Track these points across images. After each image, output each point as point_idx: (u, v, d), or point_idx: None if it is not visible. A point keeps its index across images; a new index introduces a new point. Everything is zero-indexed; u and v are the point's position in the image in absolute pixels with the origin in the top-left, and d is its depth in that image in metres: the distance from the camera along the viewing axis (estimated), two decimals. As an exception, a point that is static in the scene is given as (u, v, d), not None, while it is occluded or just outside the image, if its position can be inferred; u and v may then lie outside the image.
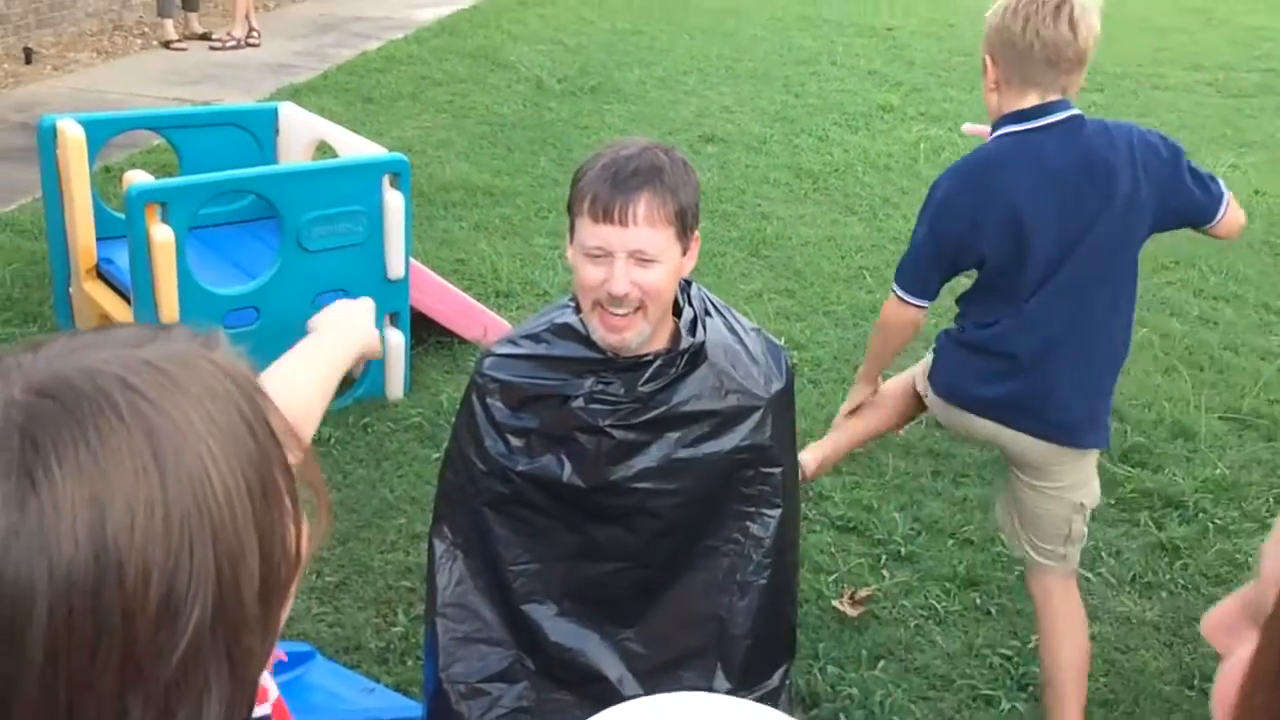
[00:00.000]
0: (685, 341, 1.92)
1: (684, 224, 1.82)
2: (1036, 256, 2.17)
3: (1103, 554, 3.20)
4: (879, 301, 4.76)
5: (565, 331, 1.94)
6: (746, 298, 4.74)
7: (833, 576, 3.05)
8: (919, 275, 2.32)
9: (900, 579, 3.05)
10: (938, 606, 2.96)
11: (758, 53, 8.96)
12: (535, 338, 1.98)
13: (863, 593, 2.95)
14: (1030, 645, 2.83)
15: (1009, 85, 2.18)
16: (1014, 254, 2.18)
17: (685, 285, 2.00)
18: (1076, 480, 2.30)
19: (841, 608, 2.90)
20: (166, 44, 8.11)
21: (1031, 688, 2.70)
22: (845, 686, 2.65)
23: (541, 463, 1.95)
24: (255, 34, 8.33)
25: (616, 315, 1.82)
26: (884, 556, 3.15)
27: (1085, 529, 2.35)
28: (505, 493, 1.99)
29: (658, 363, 1.90)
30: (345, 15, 9.56)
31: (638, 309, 1.82)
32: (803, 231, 5.51)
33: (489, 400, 1.98)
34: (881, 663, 2.74)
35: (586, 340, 1.90)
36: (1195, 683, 2.74)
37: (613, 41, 9.01)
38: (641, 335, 1.86)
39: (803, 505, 3.34)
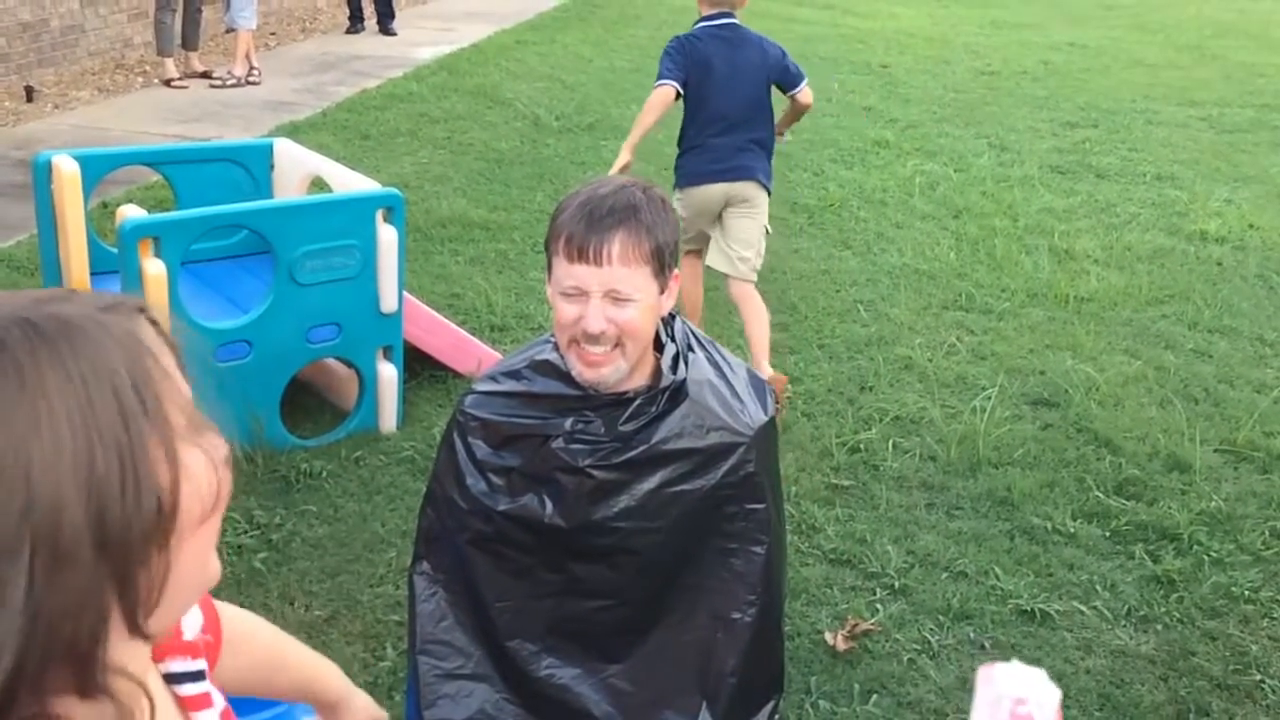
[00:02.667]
0: (666, 379, 1.91)
1: (661, 262, 1.81)
2: (716, 88, 4.10)
3: (1097, 587, 3.18)
4: (874, 335, 4.78)
5: (545, 368, 1.93)
6: (740, 331, 4.74)
7: (824, 610, 3.03)
8: (667, 73, 4.10)
9: (893, 612, 3.02)
10: (931, 640, 2.93)
11: (754, 90, 9.01)
12: (516, 374, 1.97)
13: (863, 626, 2.93)
14: (1024, 679, 2.81)
15: (703, 3, 4.19)
16: (702, 82, 4.10)
17: (668, 320, 2.00)
18: (762, 209, 4.29)
19: (833, 642, 2.87)
20: (167, 82, 8.18)
21: (1025, 722, 2.67)
22: (837, 721, 2.62)
23: (523, 502, 1.94)
24: (256, 72, 8.40)
25: (593, 352, 1.82)
26: (877, 589, 3.13)
27: (764, 245, 4.34)
28: (487, 531, 1.98)
29: (638, 401, 1.89)
30: (345, 54, 9.65)
31: (615, 346, 1.81)
32: (797, 265, 5.53)
33: (470, 439, 1.97)
34: (874, 697, 2.72)
35: (566, 377, 1.89)
36: (1191, 717, 2.71)
37: (610, 80, 9.08)
38: (619, 372, 1.85)
39: (795, 538, 3.33)
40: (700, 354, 2.00)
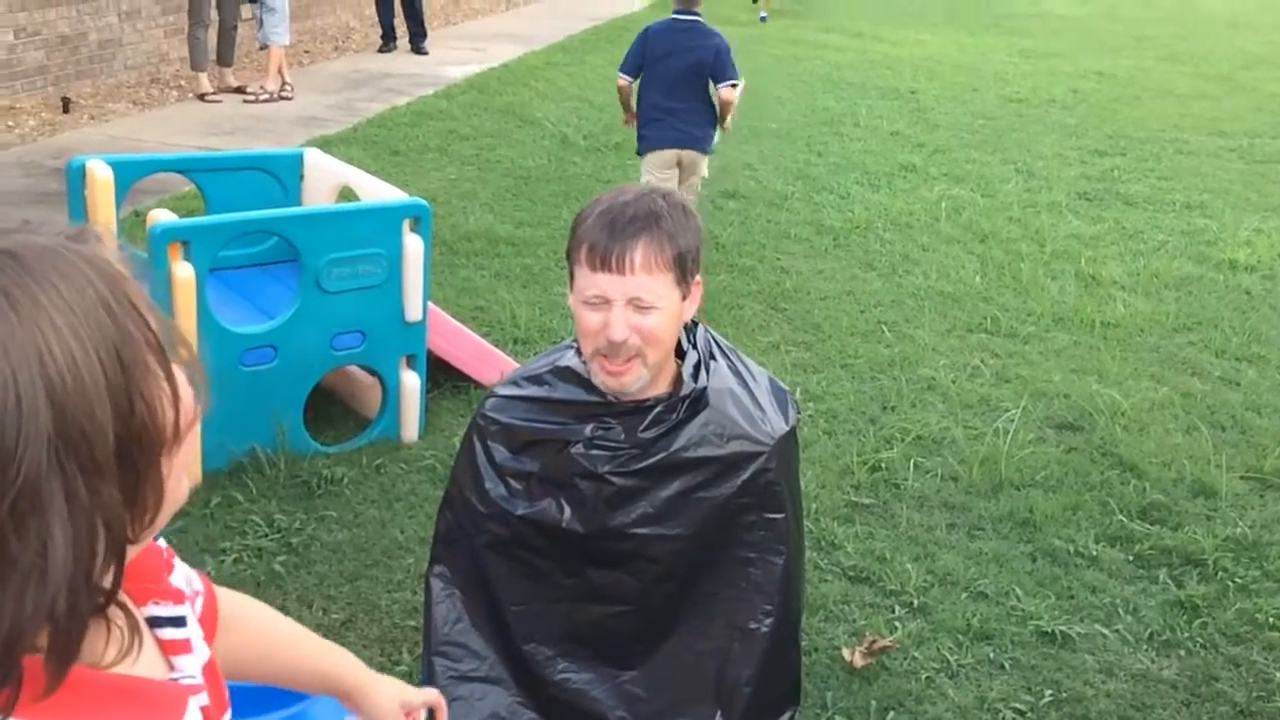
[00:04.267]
0: (687, 387, 1.90)
1: (683, 269, 1.80)
2: (666, 70, 5.17)
3: (1120, 610, 3.14)
4: (897, 355, 4.76)
5: (567, 375, 1.94)
6: (764, 349, 4.74)
7: (842, 626, 3.01)
8: (627, 66, 5.32)
9: (912, 630, 3.00)
10: (950, 659, 2.91)
11: (781, 114, 9.05)
12: (537, 379, 1.98)
13: (881, 643, 2.90)
14: (1044, 700, 2.78)
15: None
16: (657, 64, 5.19)
17: (691, 328, 2.00)
18: (703, 166, 5.46)
19: (850, 658, 2.85)
20: (201, 96, 8.29)
21: (1044, 743, 2.64)
22: (853, 737, 2.60)
23: (541, 507, 1.94)
24: (288, 88, 8.50)
25: (616, 362, 1.82)
26: (896, 607, 3.10)
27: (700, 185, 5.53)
28: (505, 535, 1.98)
29: (658, 409, 1.89)
30: (377, 72, 9.75)
31: (635, 355, 1.81)
32: (822, 286, 5.53)
33: (490, 443, 1.98)
34: (891, 714, 2.69)
35: (587, 384, 1.89)
36: (1213, 742, 2.68)
37: (638, 100, 9.12)
38: (640, 380, 1.85)
39: (814, 554, 3.32)
40: (722, 362, 2.00)
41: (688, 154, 5.29)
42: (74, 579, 0.70)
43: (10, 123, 7.33)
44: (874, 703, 2.72)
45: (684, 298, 1.83)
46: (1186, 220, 6.87)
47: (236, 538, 3.24)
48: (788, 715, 2.05)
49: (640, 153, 5.39)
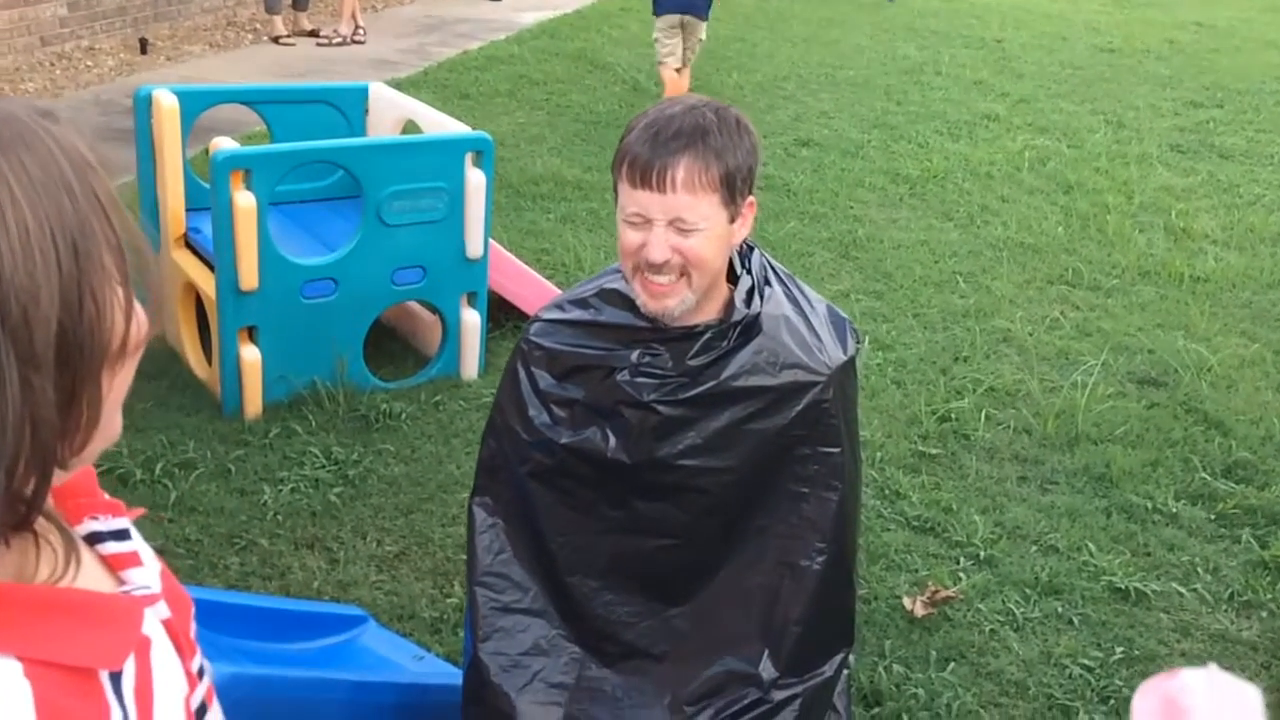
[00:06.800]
0: (739, 313, 1.80)
1: (731, 190, 1.67)
2: None
3: (1198, 569, 3.00)
4: (972, 306, 4.61)
5: (613, 298, 1.85)
6: (833, 297, 4.61)
7: (903, 576, 2.91)
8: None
9: (976, 582, 2.90)
10: (1016, 612, 2.80)
11: (860, 61, 8.81)
12: (583, 303, 1.89)
13: (944, 594, 2.81)
14: (1115, 658, 2.67)
15: None
16: None
17: (746, 252, 1.89)
18: (698, 33, 6.71)
19: (911, 607, 2.76)
20: (275, 39, 8.32)
21: (1113, 700, 2.53)
22: (911, 687, 2.51)
23: (586, 435, 1.86)
24: (361, 31, 8.49)
25: (658, 282, 1.72)
26: (961, 558, 3.00)
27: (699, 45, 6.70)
28: (549, 464, 1.91)
29: (708, 335, 1.79)
30: (449, 17, 9.69)
31: (681, 275, 1.71)
32: (895, 235, 5.37)
33: (534, 369, 1.90)
34: (951, 665, 2.60)
35: (634, 307, 1.80)
36: (1295, 707, 2.54)
37: (713, 48, 8.94)
38: (685, 304, 1.74)
39: (877, 503, 3.22)
40: (778, 288, 1.89)
41: (689, 19, 6.60)
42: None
43: (90, 63, 7.42)
44: (934, 653, 2.63)
45: (732, 220, 1.72)
46: (1286, 174, 6.54)
47: (294, 468, 3.24)
48: (840, 657, 1.96)
49: (655, 14, 6.65)
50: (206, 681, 0.86)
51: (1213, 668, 0.77)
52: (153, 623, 0.78)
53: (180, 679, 0.80)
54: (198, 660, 0.86)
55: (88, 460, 0.74)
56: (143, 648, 0.75)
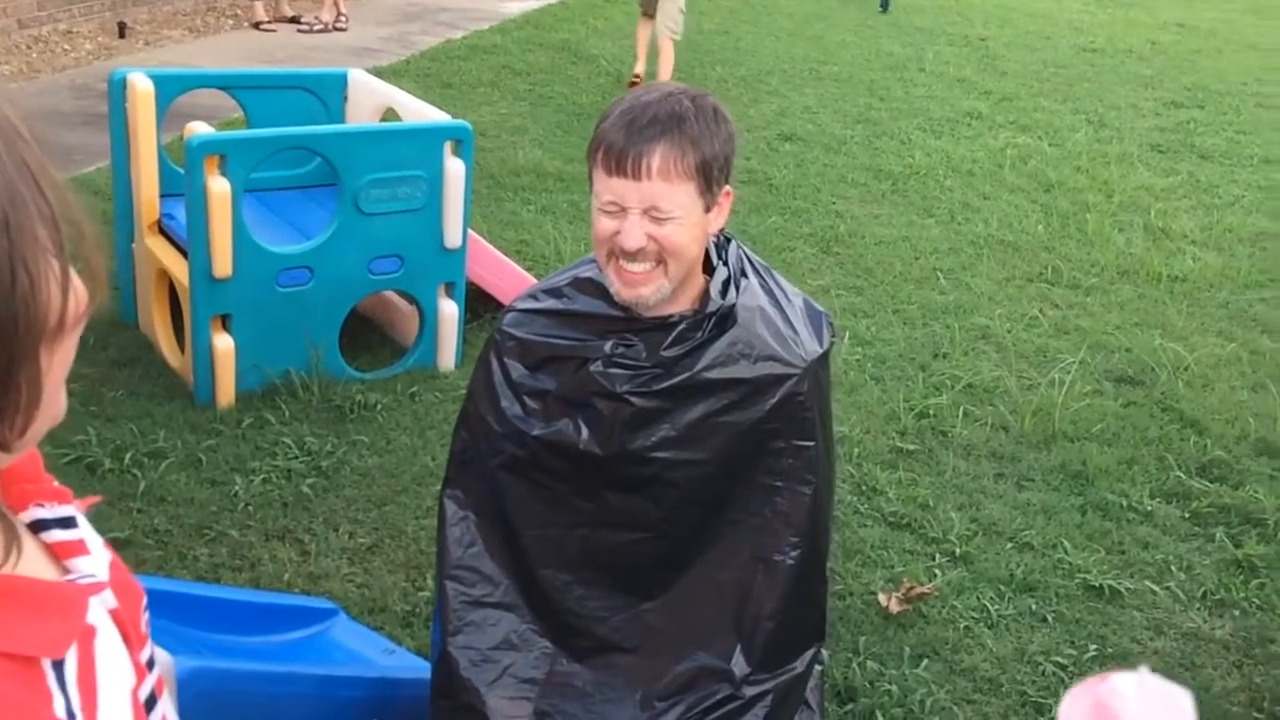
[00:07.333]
0: (714, 303, 1.78)
1: (707, 178, 1.65)
2: None
3: (1172, 568, 3.00)
4: (952, 303, 4.61)
5: (587, 286, 1.82)
6: (814, 292, 4.59)
7: (879, 572, 2.90)
8: None
9: (952, 579, 2.89)
10: (991, 609, 2.80)
11: (844, 57, 8.80)
12: (556, 292, 1.87)
13: (918, 590, 2.80)
14: (1088, 655, 2.67)
15: None
16: None
17: (723, 243, 1.87)
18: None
19: (886, 604, 2.75)
20: (256, 25, 8.25)
21: (1085, 699, 2.53)
22: (884, 683, 2.51)
23: (558, 427, 1.84)
24: (343, 18, 8.42)
25: (633, 270, 1.69)
26: (936, 555, 2.99)
27: (682, 17, 7.20)
28: (521, 456, 1.88)
29: (682, 325, 1.76)
30: (433, 5, 9.63)
31: (658, 264, 1.69)
32: (877, 231, 5.36)
33: (506, 359, 1.87)
34: (925, 662, 2.60)
35: (608, 296, 1.78)
36: (1265, 705, 2.54)
37: (697, 41, 8.93)
38: (661, 293, 1.72)
39: (854, 499, 3.21)
40: (754, 280, 1.88)
41: None
42: None
43: (67, 46, 7.34)
44: (908, 649, 2.63)
45: (708, 209, 1.70)
46: (1265, 175, 6.58)
47: (266, 459, 3.20)
48: (812, 652, 1.95)
49: None
50: (156, 673, 0.84)
51: (1143, 670, 0.77)
52: (99, 612, 0.75)
53: (128, 670, 0.77)
54: (148, 651, 0.84)
55: (31, 442, 0.71)
56: (87, 636, 0.73)
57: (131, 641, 0.79)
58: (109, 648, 0.76)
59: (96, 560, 0.79)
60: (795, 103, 7.39)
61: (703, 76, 7.83)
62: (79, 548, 0.78)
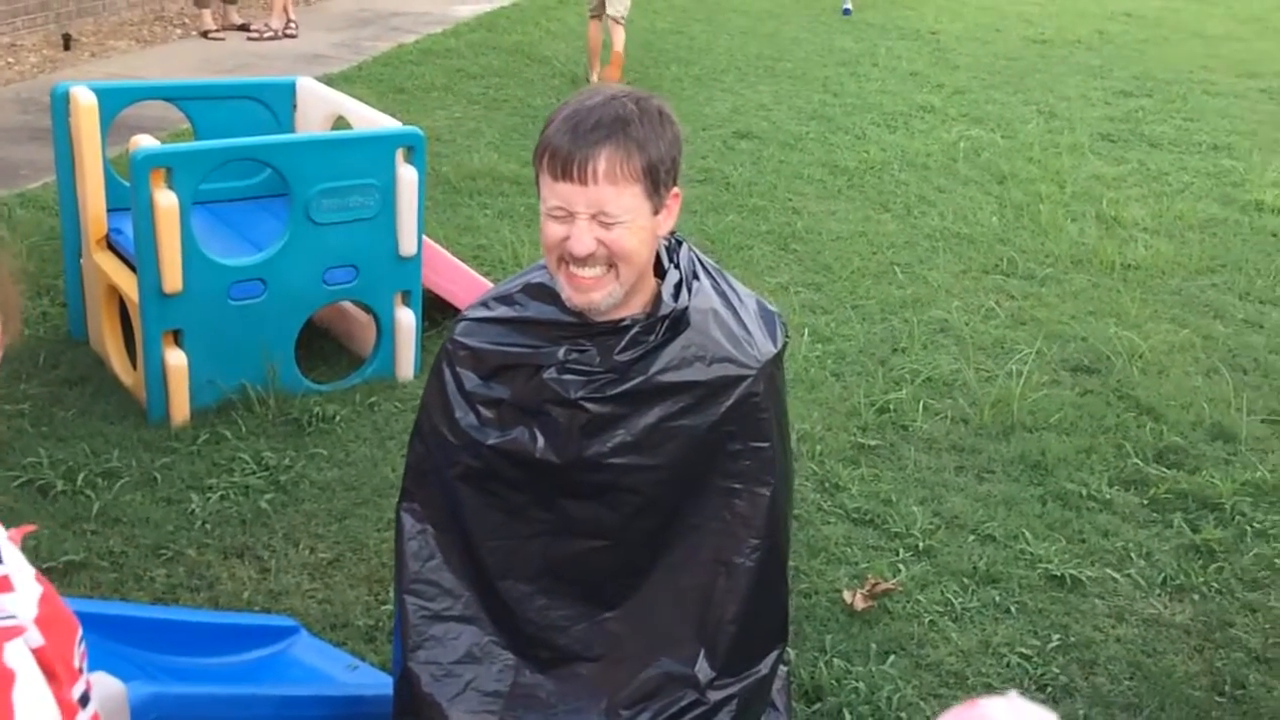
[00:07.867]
0: (666, 306, 1.77)
1: (655, 181, 1.64)
2: None
3: (1132, 555, 3.03)
4: (910, 297, 4.63)
5: (539, 292, 1.80)
6: (773, 290, 4.61)
7: (843, 569, 2.91)
8: None
9: (916, 573, 2.90)
10: (955, 602, 2.81)
11: (798, 54, 8.83)
12: (508, 299, 1.85)
13: (883, 586, 2.81)
14: (1051, 645, 2.69)
15: None
16: None
17: (674, 245, 1.86)
18: None
19: (851, 601, 2.76)
20: (205, 34, 8.15)
21: (1050, 689, 2.55)
22: (851, 680, 2.51)
23: (513, 436, 1.82)
24: (293, 25, 8.34)
25: (583, 275, 1.68)
26: (900, 550, 3.00)
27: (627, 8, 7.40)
28: (477, 466, 1.86)
29: (635, 329, 1.75)
30: (384, 10, 9.56)
31: (609, 268, 1.67)
32: (834, 227, 5.38)
33: (459, 369, 1.85)
34: (891, 658, 2.60)
35: (560, 301, 1.76)
36: (1226, 689, 2.57)
37: (651, 40, 8.93)
38: (612, 297, 1.71)
39: (817, 496, 3.22)
40: (706, 281, 1.87)
41: None
42: None
43: (10, 59, 7.21)
44: (874, 646, 2.63)
45: (656, 211, 1.69)
46: (1213, 162, 6.67)
47: (223, 475, 3.16)
48: (776, 653, 1.95)
49: None
50: (91, 709, 0.82)
51: (1013, 695, 0.78)
52: (19, 654, 0.73)
53: (52, 711, 0.75)
54: (80, 687, 0.81)
55: None
56: (4, 682, 0.70)
57: (58, 679, 0.77)
58: (28, 692, 0.73)
59: (21, 597, 0.76)
60: (750, 100, 7.40)
61: (657, 75, 7.83)
62: (3, 584, 0.76)
